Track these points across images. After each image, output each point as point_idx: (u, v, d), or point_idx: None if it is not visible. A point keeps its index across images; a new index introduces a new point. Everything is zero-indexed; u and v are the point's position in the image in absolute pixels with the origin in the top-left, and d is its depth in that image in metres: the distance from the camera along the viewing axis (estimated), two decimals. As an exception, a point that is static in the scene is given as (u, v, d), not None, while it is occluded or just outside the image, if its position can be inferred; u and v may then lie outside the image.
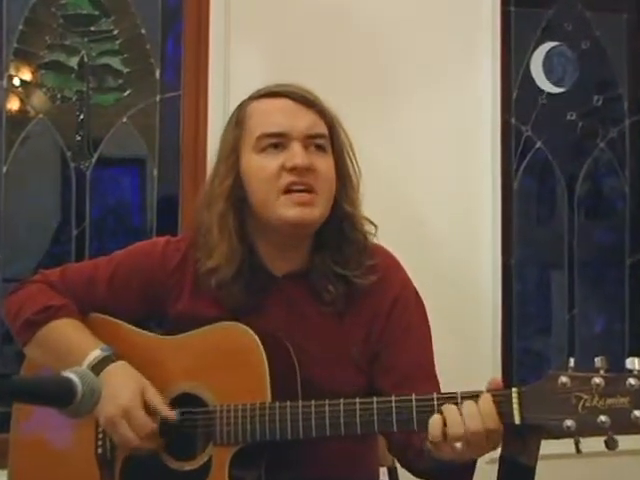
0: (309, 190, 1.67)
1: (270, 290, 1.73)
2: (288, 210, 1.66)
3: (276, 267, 1.75)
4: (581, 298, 3.26)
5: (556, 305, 3.30)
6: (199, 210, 1.79)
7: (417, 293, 1.80)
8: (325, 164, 1.70)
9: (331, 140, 1.73)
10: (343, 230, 1.72)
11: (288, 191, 1.66)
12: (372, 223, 1.77)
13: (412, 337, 1.74)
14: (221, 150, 1.75)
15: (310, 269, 1.73)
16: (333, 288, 1.70)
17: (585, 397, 1.40)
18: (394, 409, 1.52)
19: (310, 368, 1.66)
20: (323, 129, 1.71)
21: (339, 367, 1.71)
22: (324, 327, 1.73)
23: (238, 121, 1.73)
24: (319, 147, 1.70)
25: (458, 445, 1.45)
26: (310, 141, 1.69)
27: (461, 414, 1.45)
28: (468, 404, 1.46)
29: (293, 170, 1.65)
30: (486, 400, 1.45)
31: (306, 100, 1.71)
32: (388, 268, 1.76)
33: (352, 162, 1.76)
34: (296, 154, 1.66)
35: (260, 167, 1.68)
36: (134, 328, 1.80)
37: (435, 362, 1.76)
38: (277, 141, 1.68)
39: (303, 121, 1.69)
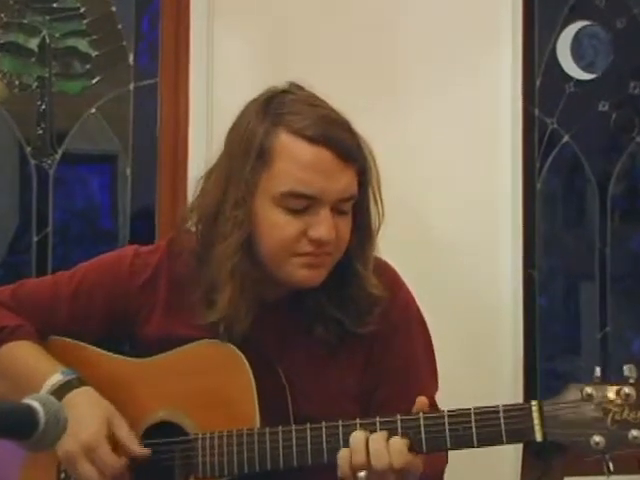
0: (323, 255, 1.69)
1: (259, 315, 1.73)
2: (296, 271, 1.68)
3: (267, 293, 1.76)
4: (615, 314, 3.23)
5: (586, 322, 3.30)
6: (184, 220, 1.79)
7: (420, 315, 1.82)
8: (345, 227, 1.70)
9: (359, 190, 1.71)
10: (350, 288, 1.73)
11: (301, 254, 1.67)
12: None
13: (413, 371, 1.77)
14: (234, 178, 1.68)
15: (302, 299, 1.75)
16: (324, 330, 1.73)
17: (614, 410, 1.41)
18: (400, 428, 1.53)
19: (301, 401, 1.68)
20: (355, 188, 1.69)
21: (333, 400, 1.73)
22: (316, 357, 1.74)
23: (263, 152, 1.66)
24: (345, 209, 1.70)
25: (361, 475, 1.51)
26: (339, 204, 1.68)
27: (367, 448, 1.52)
28: (376, 438, 1.52)
29: (315, 241, 1.66)
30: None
31: (349, 154, 1.66)
32: (388, 288, 1.76)
33: (377, 205, 1.75)
34: (323, 225, 1.65)
35: (277, 225, 1.66)
36: (101, 351, 1.81)
37: (444, 390, 1.78)
38: (305, 204, 1.65)
39: (339, 184, 1.66)
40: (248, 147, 1.67)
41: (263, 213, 1.67)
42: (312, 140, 1.64)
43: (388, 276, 1.80)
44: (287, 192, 1.64)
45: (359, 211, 1.73)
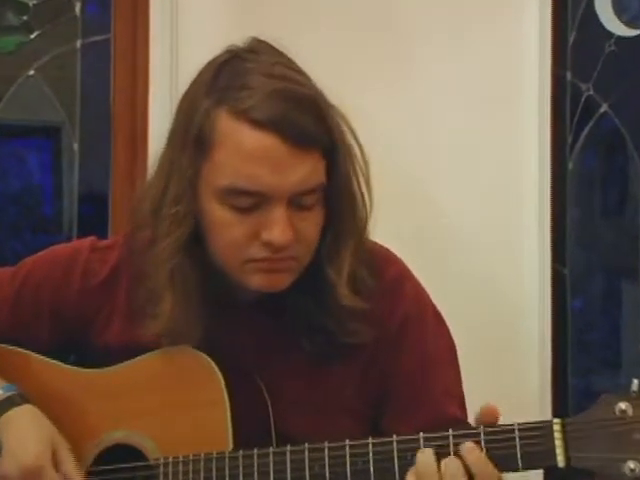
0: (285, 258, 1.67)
1: (233, 317, 1.75)
2: (251, 277, 1.68)
3: (240, 291, 1.75)
4: (663, 319, 3.21)
5: (628, 329, 3.26)
6: (138, 212, 1.78)
7: (435, 308, 1.83)
8: (311, 224, 1.68)
9: (328, 177, 1.68)
10: (321, 299, 1.73)
11: (256, 260, 1.66)
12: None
13: (433, 370, 1.77)
14: (175, 167, 1.68)
15: (284, 299, 1.74)
16: (309, 342, 1.74)
17: None
18: (395, 451, 1.54)
19: (286, 417, 1.70)
20: (319, 177, 1.66)
21: (326, 416, 1.75)
22: (307, 364, 1.75)
23: (202, 138, 1.64)
24: (308, 202, 1.67)
25: None
26: (298, 198, 1.65)
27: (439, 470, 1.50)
28: (449, 461, 1.49)
29: (268, 245, 1.64)
30: (471, 451, 1.49)
31: (306, 138, 1.62)
32: (394, 280, 1.79)
33: (363, 192, 1.73)
34: (276, 227, 1.62)
35: (224, 225, 1.66)
36: (49, 360, 1.83)
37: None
38: (252, 201, 1.63)
39: (293, 176, 1.62)
40: (187, 130, 1.66)
41: (208, 210, 1.66)
42: (257, 124, 1.60)
43: (393, 269, 1.81)
44: (227, 188, 1.63)
45: (331, 202, 1.70)
